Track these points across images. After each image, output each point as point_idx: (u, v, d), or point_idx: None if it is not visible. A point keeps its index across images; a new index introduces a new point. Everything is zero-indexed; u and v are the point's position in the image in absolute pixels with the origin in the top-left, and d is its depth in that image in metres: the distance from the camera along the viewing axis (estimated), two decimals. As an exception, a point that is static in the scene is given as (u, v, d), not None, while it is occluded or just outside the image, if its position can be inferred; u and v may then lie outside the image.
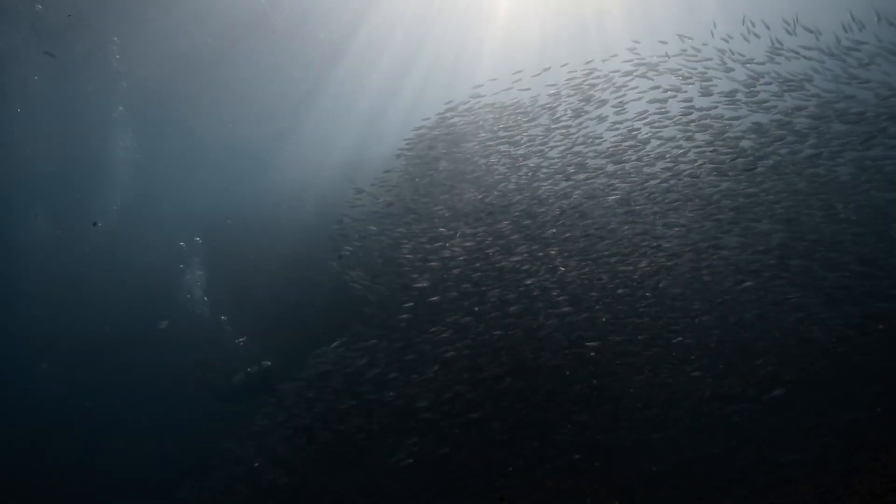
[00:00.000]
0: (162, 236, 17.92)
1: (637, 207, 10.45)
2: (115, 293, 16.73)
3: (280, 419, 9.57)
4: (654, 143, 10.52)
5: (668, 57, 10.79)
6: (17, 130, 18.32)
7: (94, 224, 17.78)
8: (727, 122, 9.84)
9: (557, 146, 10.45)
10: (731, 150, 9.87)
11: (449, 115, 10.83)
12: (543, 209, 10.43)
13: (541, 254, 10.23)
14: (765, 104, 9.50)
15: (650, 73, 10.54)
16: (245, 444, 9.77)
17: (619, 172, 10.55)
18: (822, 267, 9.30)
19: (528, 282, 10.01)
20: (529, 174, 10.37)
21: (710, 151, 9.81)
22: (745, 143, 10.12)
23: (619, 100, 10.31)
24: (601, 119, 10.24)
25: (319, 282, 14.37)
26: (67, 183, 19.31)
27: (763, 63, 10.27)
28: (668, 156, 10.31)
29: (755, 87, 9.99)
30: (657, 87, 10.54)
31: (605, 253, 10.09)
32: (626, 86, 10.16)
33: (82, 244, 17.85)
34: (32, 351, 16.28)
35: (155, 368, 14.50)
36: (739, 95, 10.11)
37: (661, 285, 9.98)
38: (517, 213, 10.41)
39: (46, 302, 17.25)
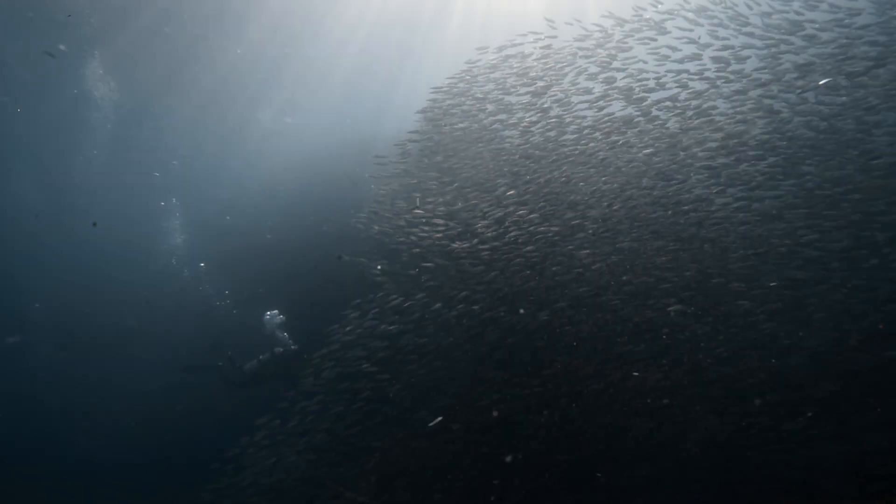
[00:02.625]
0: (172, 223, 17.38)
1: (673, 167, 10.02)
2: (125, 285, 16.13)
3: (316, 390, 9.03)
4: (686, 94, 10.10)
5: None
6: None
7: (94, 224, 17.16)
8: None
9: (583, 99, 9.99)
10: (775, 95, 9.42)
11: (472, 69, 10.30)
12: (570, 168, 9.97)
13: (574, 218, 9.78)
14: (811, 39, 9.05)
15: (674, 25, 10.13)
16: (274, 424, 9.20)
17: (649, 127, 10.12)
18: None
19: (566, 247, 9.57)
20: (555, 128, 9.89)
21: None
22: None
23: (651, 49, 9.87)
24: (626, 68, 9.80)
25: (336, 267, 13.84)
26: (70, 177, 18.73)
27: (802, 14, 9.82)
28: (702, 106, 9.89)
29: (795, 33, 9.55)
30: (690, 39, 10.14)
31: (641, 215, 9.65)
32: (664, 33, 9.70)
33: (87, 235, 17.22)
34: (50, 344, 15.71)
35: (168, 359, 13.95)
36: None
37: (704, 245, 9.55)
38: (544, 171, 9.94)
39: (59, 297, 16.63)
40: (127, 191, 19.04)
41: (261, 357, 14.01)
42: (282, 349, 14.14)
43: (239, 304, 15.59)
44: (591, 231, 9.69)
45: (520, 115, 10.05)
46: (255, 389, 13.48)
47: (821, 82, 8.76)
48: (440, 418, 8.76)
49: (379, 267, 10.98)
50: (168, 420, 12.31)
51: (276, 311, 13.81)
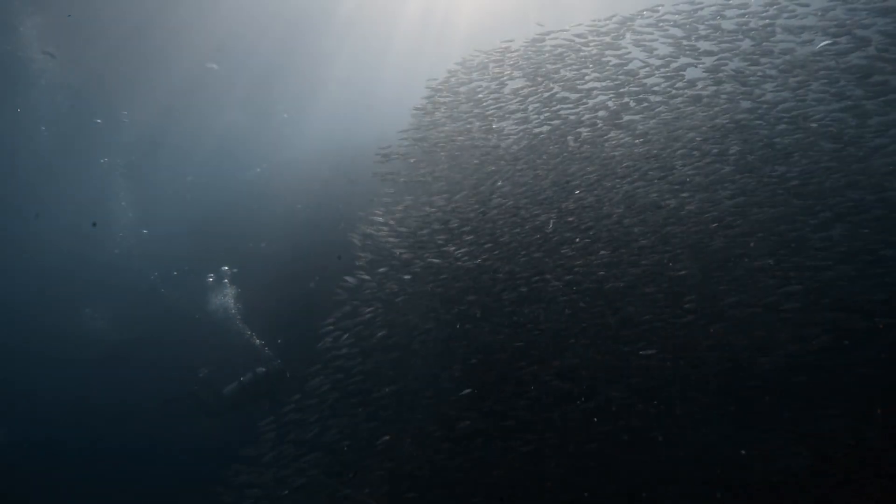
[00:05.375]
0: (157, 233, 16.52)
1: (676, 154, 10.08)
2: (103, 300, 15.11)
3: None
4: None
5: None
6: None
7: (93, 224, 16.25)
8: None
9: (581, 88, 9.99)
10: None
11: (467, 63, 10.23)
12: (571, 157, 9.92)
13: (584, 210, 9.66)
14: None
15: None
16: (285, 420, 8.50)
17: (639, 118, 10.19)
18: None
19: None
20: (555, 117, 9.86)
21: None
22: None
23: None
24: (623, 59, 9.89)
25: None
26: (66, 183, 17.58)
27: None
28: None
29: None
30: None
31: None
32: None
33: (67, 246, 16.14)
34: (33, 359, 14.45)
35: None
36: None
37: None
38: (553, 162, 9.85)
39: (40, 310, 15.42)
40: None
41: (242, 378, 13.13)
42: (264, 369, 13.31)
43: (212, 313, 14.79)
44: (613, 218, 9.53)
45: (516, 106, 9.99)
46: (238, 414, 12.58)
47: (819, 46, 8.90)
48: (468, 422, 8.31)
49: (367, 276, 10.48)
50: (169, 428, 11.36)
51: (225, 269, 13.04)
